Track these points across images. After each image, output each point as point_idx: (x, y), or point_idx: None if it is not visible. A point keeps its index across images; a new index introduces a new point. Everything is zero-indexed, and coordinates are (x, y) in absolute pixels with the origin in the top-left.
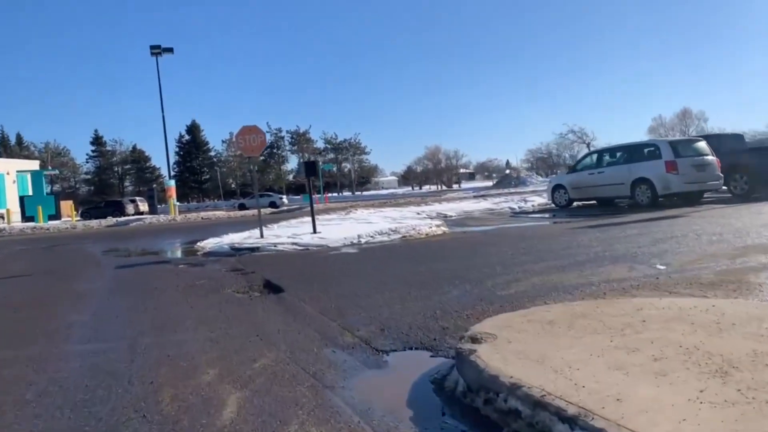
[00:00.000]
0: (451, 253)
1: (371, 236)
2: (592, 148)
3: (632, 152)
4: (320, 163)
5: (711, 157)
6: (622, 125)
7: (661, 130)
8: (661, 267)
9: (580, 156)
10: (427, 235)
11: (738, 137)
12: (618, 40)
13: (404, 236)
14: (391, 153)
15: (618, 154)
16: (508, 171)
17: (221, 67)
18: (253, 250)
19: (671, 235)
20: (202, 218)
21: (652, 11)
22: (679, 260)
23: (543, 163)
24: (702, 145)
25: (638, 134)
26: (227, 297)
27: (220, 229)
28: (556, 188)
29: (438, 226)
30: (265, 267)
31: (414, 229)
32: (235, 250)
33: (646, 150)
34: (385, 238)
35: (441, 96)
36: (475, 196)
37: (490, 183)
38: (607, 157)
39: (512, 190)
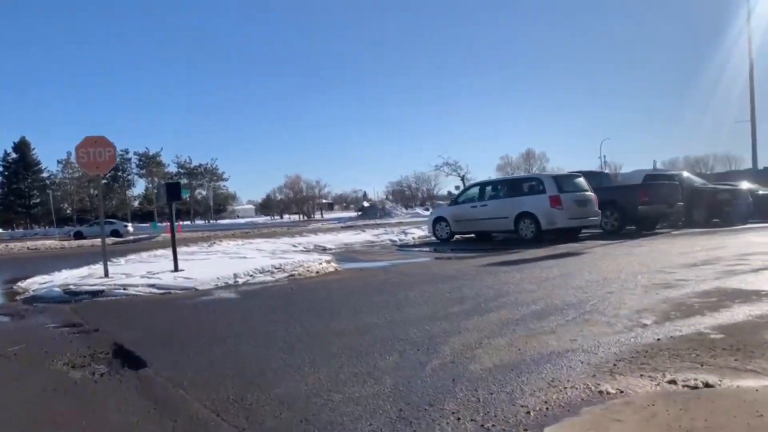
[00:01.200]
0: (365, 301)
1: (250, 275)
2: (467, 181)
3: (516, 186)
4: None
5: (590, 193)
6: (477, 161)
7: (508, 169)
8: (647, 321)
9: (454, 189)
10: (317, 273)
11: (604, 175)
12: (469, 79)
13: (291, 275)
14: (249, 181)
15: (501, 188)
16: (365, 203)
17: (50, 80)
18: (95, 294)
19: (604, 277)
20: (28, 248)
21: (493, 55)
22: (652, 309)
23: (401, 195)
24: (582, 180)
25: (489, 171)
26: (56, 378)
27: (51, 263)
28: (438, 221)
29: (328, 262)
30: (115, 321)
31: (301, 265)
32: (71, 295)
33: (530, 184)
34: (269, 278)
35: (300, 125)
36: (343, 227)
37: (353, 213)
38: (490, 190)
39: (378, 221)
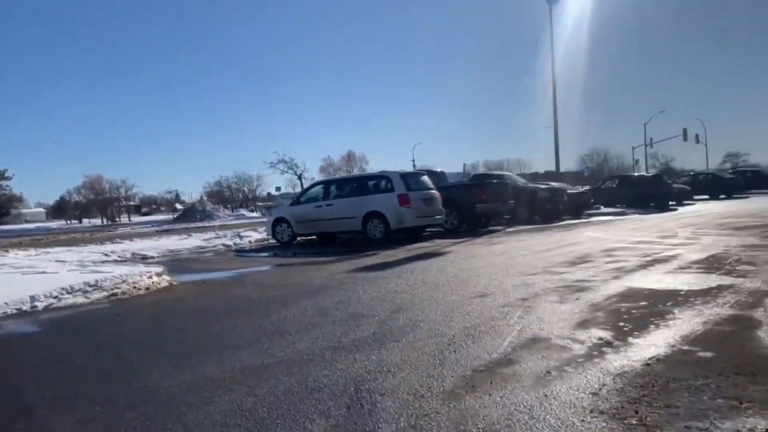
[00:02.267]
0: (230, 328)
1: (55, 296)
2: (306, 181)
3: (363, 184)
4: None
5: (435, 192)
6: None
7: (331, 170)
8: (602, 335)
9: (275, 190)
10: (148, 289)
11: (440, 174)
12: (293, 80)
13: (113, 294)
14: (39, 181)
15: (348, 186)
16: (179, 204)
17: None
18: None
19: (498, 280)
20: None
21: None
22: (596, 320)
23: (220, 196)
24: (427, 179)
25: (313, 172)
26: None
27: None
28: (278, 222)
29: (158, 274)
30: None
31: (125, 281)
32: None
33: (377, 182)
34: (82, 299)
35: (102, 121)
36: (161, 231)
37: (168, 216)
38: (335, 189)
39: (200, 224)
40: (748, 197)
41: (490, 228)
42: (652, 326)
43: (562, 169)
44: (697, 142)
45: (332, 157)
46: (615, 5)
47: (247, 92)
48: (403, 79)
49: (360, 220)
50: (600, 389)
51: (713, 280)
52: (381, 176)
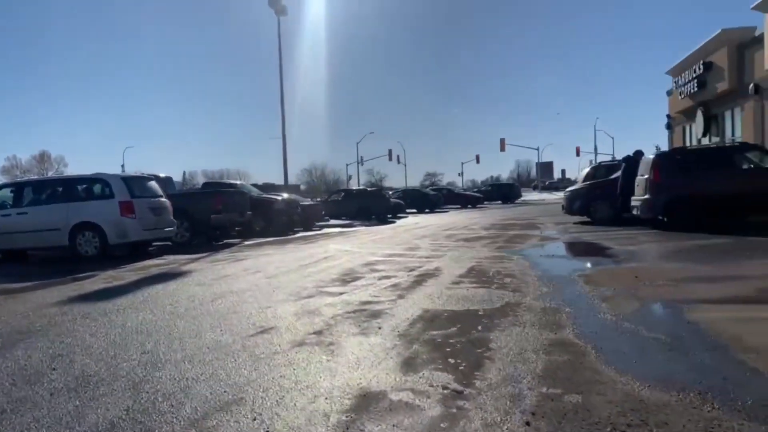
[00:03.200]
0: None
1: None
2: None
3: (71, 189)
4: None
5: (165, 200)
6: None
7: (17, 172)
8: (444, 389)
9: None
10: None
11: (166, 180)
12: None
13: None
14: None
15: (49, 191)
16: None
17: None
18: None
19: (299, 306)
20: None
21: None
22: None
23: None
24: (155, 184)
25: None
26: None
27: None
28: None
29: None
30: None
31: None
32: None
33: (90, 187)
34: None
35: None
36: None
37: None
38: (30, 194)
39: None
40: (447, 212)
41: (226, 241)
42: (487, 360)
43: (282, 182)
44: (398, 162)
45: (19, 156)
46: (339, 31)
47: None
48: (113, 80)
49: (66, 233)
50: None
51: (496, 296)
52: (96, 179)
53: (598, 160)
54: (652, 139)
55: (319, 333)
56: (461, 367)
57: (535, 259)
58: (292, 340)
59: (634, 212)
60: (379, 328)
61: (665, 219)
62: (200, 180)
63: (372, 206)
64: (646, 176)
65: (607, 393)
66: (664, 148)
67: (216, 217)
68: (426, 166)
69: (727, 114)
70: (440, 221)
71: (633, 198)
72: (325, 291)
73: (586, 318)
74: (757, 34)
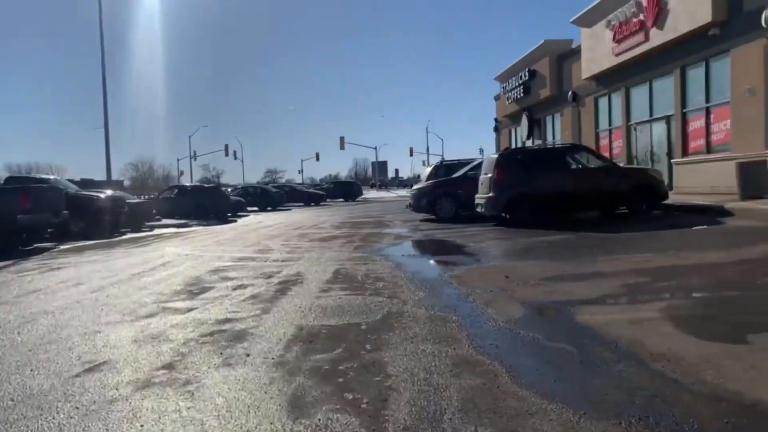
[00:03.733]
0: None
1: None
2: None
3: None
4: None
5: None
6: None
7: None
8: None
9: None
10: None
11: None
12: None
13: None
14: None
15: None
16: None
17: None
18: None
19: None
20: None
21: None
22: None
23: None
24: None
25: None
26: None
27: None
28: None
29: None
30: None
31: None
32: None
33: None
34: None
35: None
36: None
37: None
38: None
39: None
40: (290, 209)
41: (37, 246)
42: (392, 392)
43: (104, 178)
44: (235, 158)
45: None
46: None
47: None
48: None
49: None
50: None
51: (375, 305)
52: None
53: (430, 161)
54: (481, 142)
55: (170, 367)
56: (363, 405)
57: (398, 260)
58: (134, 379)
59: (479, 209)
60: (247, 355)
61: (507, 216)
62: (1, 174)
63: (210, 204)
64: (490, 175)
65: (544, 427)
66: (491, 149)
67: (24, 218)
68: (266, 163)
69: (548, 118)
70: (287, 219)
71: (477, 196)
72: (170, 307)
73: (478, 327)
74: (574, 46)
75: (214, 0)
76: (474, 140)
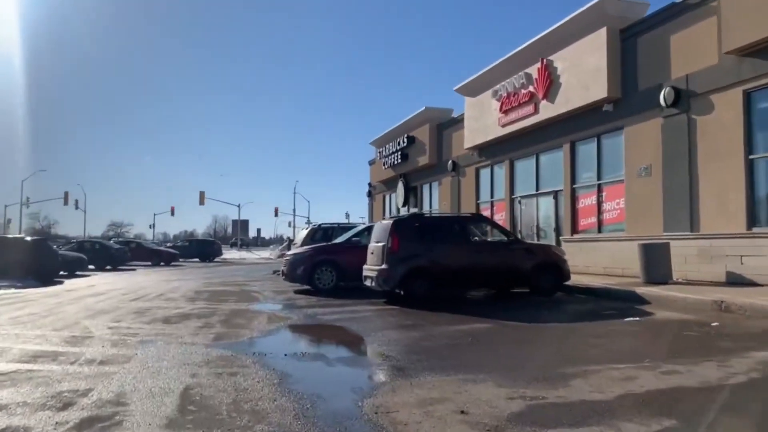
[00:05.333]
0: None
1: None
2: None
3: None
4: None
5: None
6: None
7: None
8: None
9: None
10: None
11: None
12: None
13: None
14: None
15: None
16: None
17: None
18: None
19: None
20: None
21: None
22: None
23: None
24: None
25: None
26: None
27: None
28: None
29: None
30: None
31: None
32: None
33: None
34: None
35: None
36: None
37: None
38: None
39: None
40: (135, 269)
41: None
42: None
43: None
44: (77, 208)
45: None
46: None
47: None
48: None
49: None
50: None
51: None
52: None
53: (296, 222)
54: (348, 206)
55: None
56: None
57: (282, 366)
58: None
59: (367, 283)
60: None
61: (402, 292)
62: None
63: (32, 260)
64: (383, 244)
65: None
66: (359, 214)
67: None
68: (114, 215)
69: (426, 186)
70: (127, 284)
71: (366, 267)
72: None
73: None
74: (455, 115)
75: (67, 31)
76: (342, 205)
